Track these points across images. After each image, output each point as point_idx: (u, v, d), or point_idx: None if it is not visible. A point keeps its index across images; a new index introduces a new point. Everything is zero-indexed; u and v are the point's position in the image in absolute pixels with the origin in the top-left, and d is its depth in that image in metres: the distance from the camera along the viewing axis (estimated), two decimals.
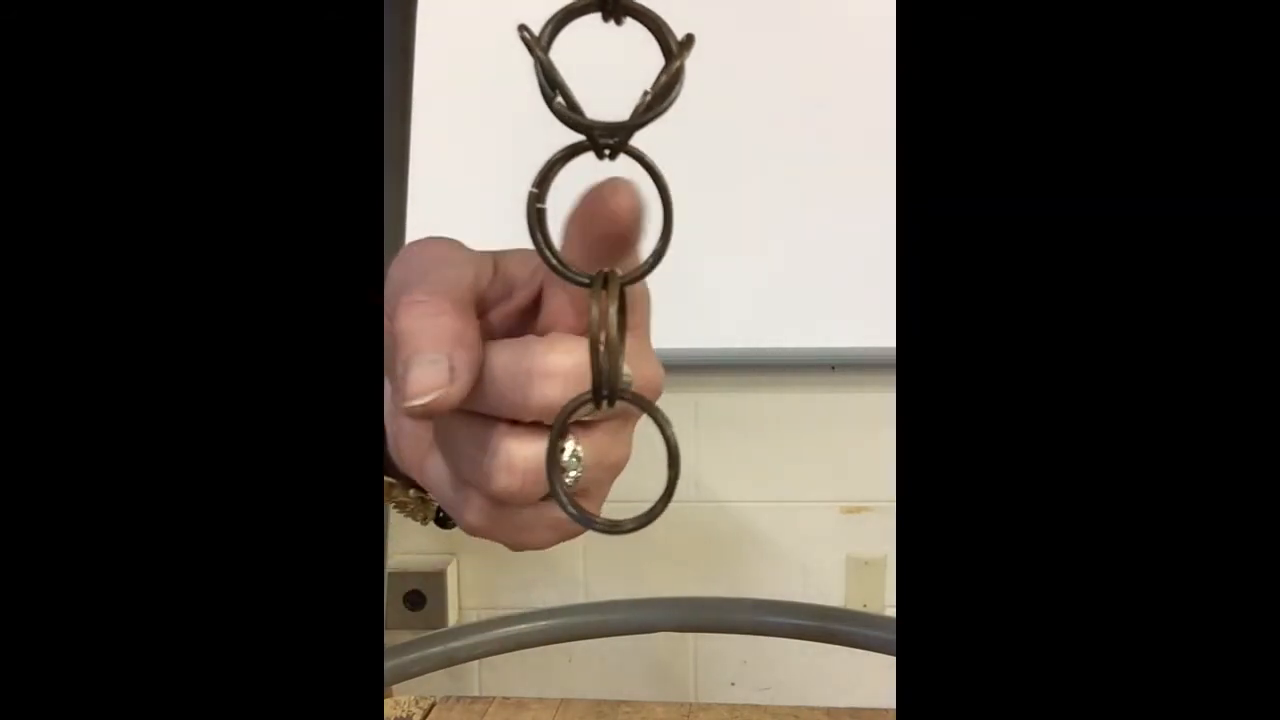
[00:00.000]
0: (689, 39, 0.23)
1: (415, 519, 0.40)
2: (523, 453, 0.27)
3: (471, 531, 0.31)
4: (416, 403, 0.26)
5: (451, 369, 0.26)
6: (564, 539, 0.30)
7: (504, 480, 0.28)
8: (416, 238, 0.35)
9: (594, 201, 0.26)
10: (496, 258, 0.31)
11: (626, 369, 0.26)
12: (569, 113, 0.23)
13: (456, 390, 0.26)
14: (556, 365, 0.27)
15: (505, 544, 0.31)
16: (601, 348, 0.25)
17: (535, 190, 0.25)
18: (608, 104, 0.25)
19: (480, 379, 0.27)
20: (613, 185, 0.26)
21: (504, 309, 0.30)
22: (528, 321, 0.31)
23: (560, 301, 0.29)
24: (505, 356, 0.27)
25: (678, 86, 0.23)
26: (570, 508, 0.26)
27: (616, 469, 0.30)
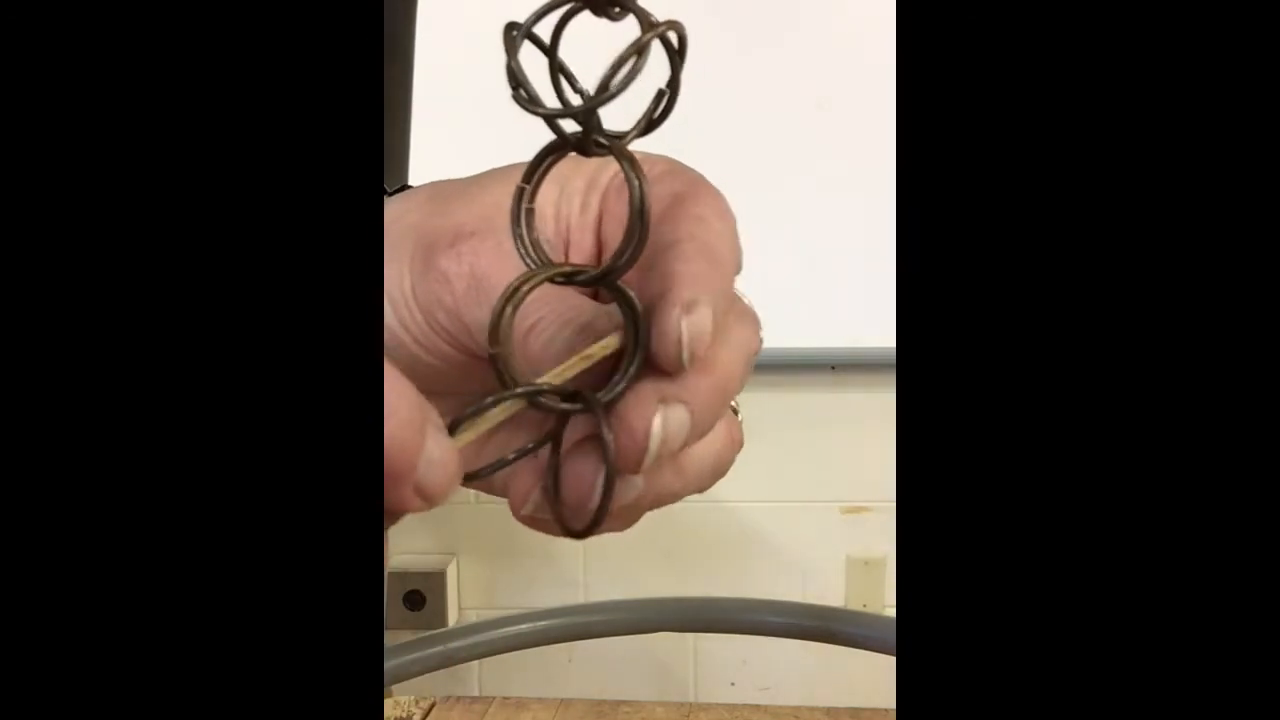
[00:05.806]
0: (661, 24, 0.23)
1: None
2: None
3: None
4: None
5: None
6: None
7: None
8: None
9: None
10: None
11: None
12: (529, 103, 0.23)
13: None
14: None
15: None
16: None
17: (524, 186, 0.25)
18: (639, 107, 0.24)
19: None
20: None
21: None
22: None
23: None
24: None
25: (640, 60, 0.23)
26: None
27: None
